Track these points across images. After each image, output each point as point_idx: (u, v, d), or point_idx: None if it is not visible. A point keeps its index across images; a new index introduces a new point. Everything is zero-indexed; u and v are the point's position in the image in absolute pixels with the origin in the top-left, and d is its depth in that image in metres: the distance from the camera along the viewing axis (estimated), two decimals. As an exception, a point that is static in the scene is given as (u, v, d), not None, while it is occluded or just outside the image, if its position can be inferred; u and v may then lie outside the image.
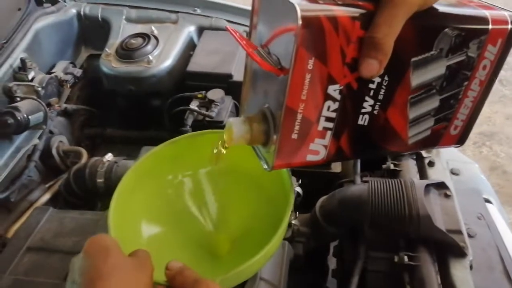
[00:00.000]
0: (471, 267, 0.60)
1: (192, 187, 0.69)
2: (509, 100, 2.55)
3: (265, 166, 0.45)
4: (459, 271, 0.59)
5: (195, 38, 1.27)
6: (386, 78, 0.41)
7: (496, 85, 2.56)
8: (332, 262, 0.84)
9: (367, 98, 0.42)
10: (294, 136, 0.41)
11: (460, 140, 0.51)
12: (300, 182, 0.77)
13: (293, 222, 0.74)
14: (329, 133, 0.43)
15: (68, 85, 1.12)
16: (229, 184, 0.63)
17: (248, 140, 0.45)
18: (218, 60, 1.12)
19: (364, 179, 0.80)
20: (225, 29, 1.25)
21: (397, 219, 0.62)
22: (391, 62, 0.38)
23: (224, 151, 0.48)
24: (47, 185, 1.04)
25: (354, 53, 0.38)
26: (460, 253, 0.60)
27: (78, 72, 1.17)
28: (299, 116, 0.40)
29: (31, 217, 0.78)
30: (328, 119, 0.42)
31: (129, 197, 0.61)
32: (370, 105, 0.43)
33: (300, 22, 0.35)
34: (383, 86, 0.42)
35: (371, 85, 0.41)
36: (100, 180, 0.90)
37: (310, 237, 0.76)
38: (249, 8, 0.46)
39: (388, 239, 0.65)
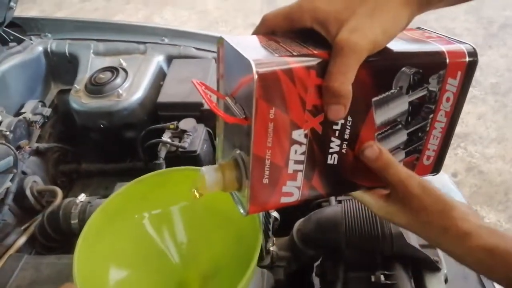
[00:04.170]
0: (446, 280, 0.61)
1: (161, 225, 0.69)
2: (480, 100, 2.61)
3: (242, 211, 0.45)
4: (434, 285, 0.60)
5: (165, 67, 1.27)
6: (349, 118, 0.42)
7: (465, 87, 2.62)
8: (317, 281, 0.84)
9: (333, 138, 0.43)
10: (265, 181, 0.41)
11: (435, 169, 0.51)
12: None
13: (271, 248, 0.74)
14: (300, 174, 0.43)
15: (38, 126, 1.11)
16: (199, 221, 0.63)
17: (222, 187, 0.45)
18: (189, 88, 1.12)
19: (339, 198, 0.81)
20: (194, 58, 1.27)
21: (371, 238, 0.63)
22: (352, 103, 0.39)
23: (198, 196, 0.47)
24: (22, 228, 1.02)
25: (313, 100, 0.39)
26: (434, 267, 0.61)
27: (47, 111, 1.15)
28: (268, 162, 0.40)
29: (5, 265, 0.76)
30: (297, 162, 0.42)
31: (95, 240, 0.60)
32: (337, 145, 0.43)
33: (256, 77, 0.35)
34: (347, 126, 0.43)
35: (335, 127, 0.42)
36: (74, 222, 0.88)
37: (291, 261, 0.77)
38: (217, 34, 0.46)
39: (365, 258, 0.66)
